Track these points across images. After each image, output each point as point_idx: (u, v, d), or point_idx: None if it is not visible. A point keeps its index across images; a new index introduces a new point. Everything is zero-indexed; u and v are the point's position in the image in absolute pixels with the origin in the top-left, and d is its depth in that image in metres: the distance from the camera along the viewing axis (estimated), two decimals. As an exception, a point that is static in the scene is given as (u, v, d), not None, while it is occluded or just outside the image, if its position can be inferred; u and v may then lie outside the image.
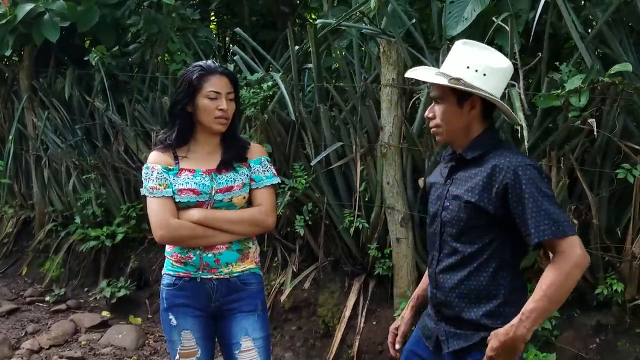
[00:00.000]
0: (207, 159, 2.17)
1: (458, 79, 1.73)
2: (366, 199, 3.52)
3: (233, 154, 2.18)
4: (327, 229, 3.71)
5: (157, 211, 2.10)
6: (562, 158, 2.91)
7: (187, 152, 2.19)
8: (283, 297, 3.78)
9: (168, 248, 2.22)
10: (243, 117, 3.91)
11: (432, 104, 1.85)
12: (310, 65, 3.80)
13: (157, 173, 2.13)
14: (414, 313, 2.07)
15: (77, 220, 4.81)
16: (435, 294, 1.88)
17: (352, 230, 3.50)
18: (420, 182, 3.32)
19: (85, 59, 4.73)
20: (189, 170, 2.15)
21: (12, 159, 5.33)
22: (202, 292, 2.15)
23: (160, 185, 2.11)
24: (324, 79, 3.73)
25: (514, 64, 2.99)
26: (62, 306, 4.55)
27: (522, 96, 2.92)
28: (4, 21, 4.49)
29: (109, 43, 4.74)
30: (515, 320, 1.66)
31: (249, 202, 2.22)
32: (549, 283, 1.63)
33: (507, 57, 2.98)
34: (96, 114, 4.93)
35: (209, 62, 2.17)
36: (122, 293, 4.39)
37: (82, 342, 3.96)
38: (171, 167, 2.14)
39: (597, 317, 2.99)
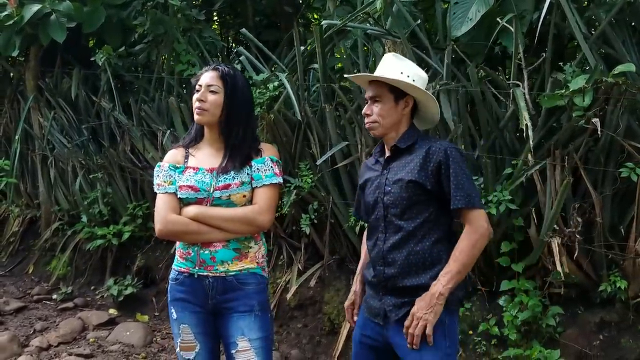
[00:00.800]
0: (212, 157, 2.21)
1: (397, 82, 2.07)
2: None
3: (235, 159, 2.17)
4: (333, 227, 3.75)
5: (159, 206, 2.18)
6: (566, 157, 2.95)
7: (196, 151, 2.25)
8: (289, 295, 3.82)
9: (177, 243, 2.27)
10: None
11: (369, 103, 2.13)
12: (315, 66, 3.84)
13: (164, 170, 2.21)
14: (363, 286, 2.28)
15: (84, 219, 4.85)
16: (382, 271, 2.09)
17: (357, 228, 3.53)
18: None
19: (92, 59, 4.77)
20: (193, 168, 2.20)
21: (18, 159, 5.38)
22: (199, 289, 2.17)
23: (165, 182, 2.19)
24: (329, 79, 3.76)
25: (519, 64, 3.03)
26: (70, 304, 4.58)
27: (527, 96, 2.96)
28: (10, 22, 4.53)
29: (115, 43, 4.78)
30: (434, 282, 1.99)
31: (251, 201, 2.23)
32: (460, 250, 1.99)
33: (512, 57, 3.04)
34: (102, 114, 4.97)
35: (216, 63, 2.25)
36: (129, 291, 4.44)
37: (90, 340, 4.00)
38: (179, 165, 2.22)
39: (601, 314, 3.02)
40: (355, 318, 2.27)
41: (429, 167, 2.03)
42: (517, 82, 3.02)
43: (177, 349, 2.23)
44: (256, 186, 2.19)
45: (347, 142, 3.63)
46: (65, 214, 5.16)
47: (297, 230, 3.87)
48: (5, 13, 4.56)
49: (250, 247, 2.21)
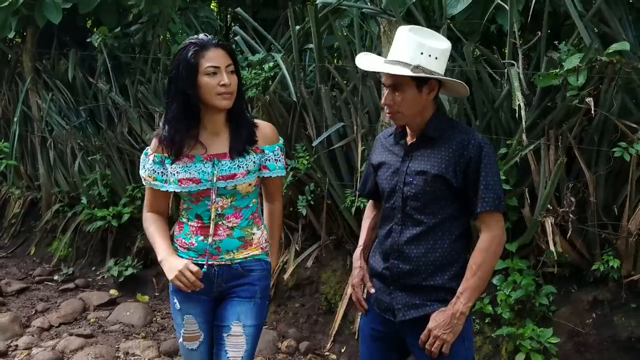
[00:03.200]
0: (212, 141, 2.04)
1: (418, 67, 1.83)
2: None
3: (243, 140, 2.04)
4: (329, 208, 3.77)
5: (145, 198, 2.19)
6: (560, 137, 2.94)
7: (187, 137, 2.03)
8: (286, 276, 3.85)
9: (175, 232, 2.19)
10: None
11: (387, 91, 1.91)
12: (311, 46, 3.82)
13: (149, 163, 2.09)
14: (366, 259, 2.15)
15: (84, 200, 4.88)
16: (397, 265, 1.96)
17: (353, 209, 3.54)
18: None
19: (88, 40, 4.74)
20: (188, 157, 2.03)
21: (17, 141, 5.40)
22: (204, 277, 2.04)
23: (149, 176, 2.10)
24: (325, 59, 3.74)
25: (513, 43, 3.01)
26: (71, 285, 4.64)
27: (521, 75, 2.94)
28: (6, 3, 4.50)
29: (111, 24, 4.75)
30: (454, 299, 1.88)
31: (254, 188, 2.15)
32: (479, 263, 1.87)
33: (508, 35, 3.02)
34: (99, 95, 4.97)
35: (201, 35, 2.00)
36: (129, 272, 4.48)
37: (91, 320, 4.06)
38: (168, 155, 2.04)
39: (594, 293, 3.04)
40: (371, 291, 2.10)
41: (460, 162, 1.86)
42: (512, 62, 3.00)
43: (180, 340, 2.17)
44: (270, 176, 2.11)
45: (343, 124, 3.62)
46: (66, 195, 5.19)
47: (294, 212, 3.89)
48: (1, -6, 4.53)
49: (254, 234, 2.14)
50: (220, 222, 2.07)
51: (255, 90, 3.77)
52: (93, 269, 4.91)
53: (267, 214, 2.27)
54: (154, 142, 2.09)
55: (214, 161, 2.03)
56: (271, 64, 3.81)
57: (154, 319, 4.10)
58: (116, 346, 3.70)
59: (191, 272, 1.97)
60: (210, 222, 2.07)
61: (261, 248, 2.16)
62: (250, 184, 2.08)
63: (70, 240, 5.03)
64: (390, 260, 1.98)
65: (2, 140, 5.52)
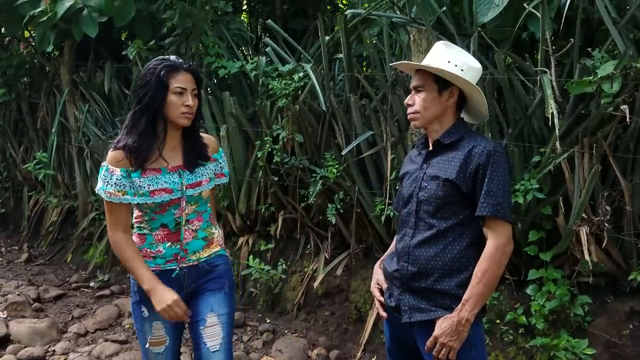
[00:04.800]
0: (171, 155, 2.19)
1: (440, 69, 1.96)
2: (397, 188, 3.55)
3: (197, 154, 2.24)
4: (359, 217, 3.77)
5: (109, 217, 2.17)
6: (595, 145, 2.89)
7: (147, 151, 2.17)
8: (316, 284, 3.87)
9: (137, 244, 2.23)
10: (275, 108, 3.98)
11: (412, 93, 2.04)
12: (340, 55, 3.84)
13: (116, 178, 2.12)
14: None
15: (118, 209, 4.98)
16: (405, 267, 2.01)
17: (383, 218, 3.54)
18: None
19: (123, 53, 4.86)
20: (154, 170, 2.15)
21: (55, 151, 5.56)
22: (173, 282, 2.21)
23: (118, 191, 2.12)
24: (354, 69, 3.76)
25: (545, 50, 2.98)
26: (106, 291, 4.75)
27: (554, 83, 2.91)
28: (45, 18, 4.66)
29: (145, 37, 4.86)
30: (459, 306, 1.91)
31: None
32: (484, 270, 1.90)
33: (540, 42, 2.99)
34: (134, 106, 5.07)
35: (172, 57, 2.18)
36: (162, 279, 4.55)
37: (126, 326, 4.13)
38: (133, 169, 2.13)
39: (631, 303, 2.97)
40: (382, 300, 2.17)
41: (468, 168, 1.93)
42: (545, 69, 2.97)
43: (147, 345, 2.27)
44: (226, 182, 2.39)
45: (372, 132, 3.63)
46: (101, 203, 5.30)
47: (323, 220, 3.91)
48: (40, 9, 4.69)
49: (214, 233, 2.34)
50: (186, 227, 2.24)
51: (285, 100, 3.81)
52: (128, 276, 4.98)
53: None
54: (116, 154, 2.13)
55: (179, 172, 2.20)
56: (301, 74, 3.85)
57: (186, 324, 4.15)
58: (150, 352, 3.76)
59: (179, 307, 2.13)
60: (177, 228, 2.23)
61: (220, 245, 2.37)
62: (210, 190, 2.30)
63: (105, 247, 5.14)
64: (400, 263, 2.04)
65: (41, 151, 5.70)
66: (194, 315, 2.24)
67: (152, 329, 2.26)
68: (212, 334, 2.22)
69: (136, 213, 2.26)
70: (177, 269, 2.23)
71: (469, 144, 1.97)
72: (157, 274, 2.20)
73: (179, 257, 2.23)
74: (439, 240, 1.96)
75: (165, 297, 2.11)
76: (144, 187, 2.14)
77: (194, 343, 2.26)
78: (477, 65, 2.02)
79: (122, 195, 2.13)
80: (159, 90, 2.10)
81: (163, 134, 2.17)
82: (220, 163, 2.36)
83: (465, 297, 1.91)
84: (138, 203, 2.15)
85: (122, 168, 2.12)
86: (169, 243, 2.22)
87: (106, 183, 2.13)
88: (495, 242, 1.91)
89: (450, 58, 1.97)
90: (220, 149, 2.38)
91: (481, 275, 1.89)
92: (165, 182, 2.16)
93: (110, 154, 2.14)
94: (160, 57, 2.21)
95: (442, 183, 1.95)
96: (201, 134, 2.31)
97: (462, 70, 1.96)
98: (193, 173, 2.22)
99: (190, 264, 2.26)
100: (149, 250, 2.23)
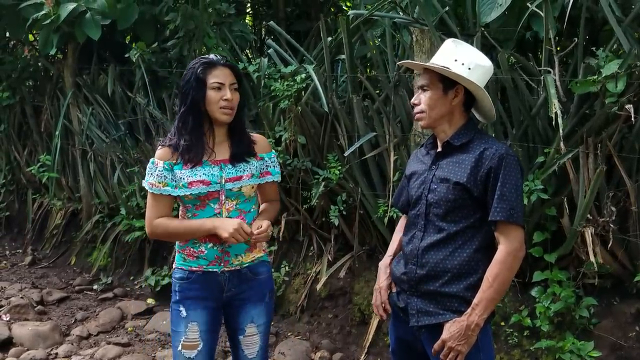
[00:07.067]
0: (217, 150, 2.21)
1: (447, 68, 1.92)
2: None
3: (243, 149, 2.24)
4: (362, 218, 3.76)
5: (149, 208, 2.21)
6: (600, 145, 2.87)
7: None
8: (319, 286, 3.85)
9: (180, 243, 2.28)
10: (277, 109, 3.97)
11: (418, 92, 2.01)
12: (343, 56, 3.83)
13: (159, 170, 2.18)
14: (389, 282, 2.16)
15: (123, 211, 4.98)
16: (414, 271, 1.99)
17: (386, 219, 3.52)
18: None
19: (126, 55, 4.87)
20: (196, 163, 2.19)
21: (59, 154, 5.56)
22: (214, 284, 2.22)
23: (159, 182, 2.17)
24: (356, 70, 3.75)
25: (549, 50, 2.96)
26: (109, 294, 4.73)
27: (558, 82, 2.88)
28: (48, 21, 4.66)
29: (148, 39, 4.86)
30: (469, 310, 1.89)
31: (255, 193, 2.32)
32: (495, 275, 1.87)
33: (544, 42, 2.97)
34: (138, 109, 5.08)
35: (211, 55, 2.23)
36: (166, 281, 4.53)
37: (129, 329, 4.13)
38: (176, 162, 2.18)
39: (637, 305, 2.95)
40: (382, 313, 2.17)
41: (480, 172, 1.90)
42: (548, 69, 2.95)
43: (179, 348, 2.23)
44: (271, 180, 2.31)
45: (375, 133, 3.61)
46: (105, 206, 5.31)
47: (326, 222, 3.89)
48: (43, 12, 4.69)
49: None
50: None
51: (288, 102, 3.80)
52: (131, 278, 5.00)
53: (265, 205, 2.39)
54: (163, 151, 2.21)
55: (221, 165, 2.20)
56: (303, 76, 3.84)
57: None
58: (153, 355, 3.75)
59: (244, 229, 2.12)
60: None
61: (263, 250, 2.34)
62: (253, 187, 2.25)
63: (109, 250, 5.14)
64: (408, 266, 2.02)
65: (45, 154, 5.70)
66: (234, 324, 2.30)
67: (188, 330, 2.23)
68: (251, 342, 2.30)
69: (181, 210, 2.28)
70: (221, 272, 2.21)
71: (480, 146, 1.94)
72: (200, 274, 2.22)
73: (222, 260, 2.21)
74: (448, 244, 1.94)
75: (228, 223, 2.12)
76: (184, 179, 2.16)
77: (232, 348, 2.36)
78: (486, 63, 1.97)
79: (163, 186, 2.17)
80: (198, 88, 2.14)
81: (210, 131, 2.20)
82: (267, 162, 2.31)
83: (475, 301, 1.88)
84: (179, 196, 2.18)
85: (167, 161, 2.18)
86: (211, 244, 2.20)
87: (150, 175, 2.19)
88: (508, 247, 1.88)
89: (458, 56, 1.94)
90: (272, 150, 2.37)
91: (492, 280, 1.87)
92: (204, 173, 2.17)
93: (158, 151, 2.20)
94: (202, 56, 2.24)
95: (453, 186, 1.93)
96: (252, 133, 2.33)
97: (469, 68, 1.92)
98: (235, 167, 2.20)
99: (233, 268, 2.24)
100: (192, 249, 2.23)
